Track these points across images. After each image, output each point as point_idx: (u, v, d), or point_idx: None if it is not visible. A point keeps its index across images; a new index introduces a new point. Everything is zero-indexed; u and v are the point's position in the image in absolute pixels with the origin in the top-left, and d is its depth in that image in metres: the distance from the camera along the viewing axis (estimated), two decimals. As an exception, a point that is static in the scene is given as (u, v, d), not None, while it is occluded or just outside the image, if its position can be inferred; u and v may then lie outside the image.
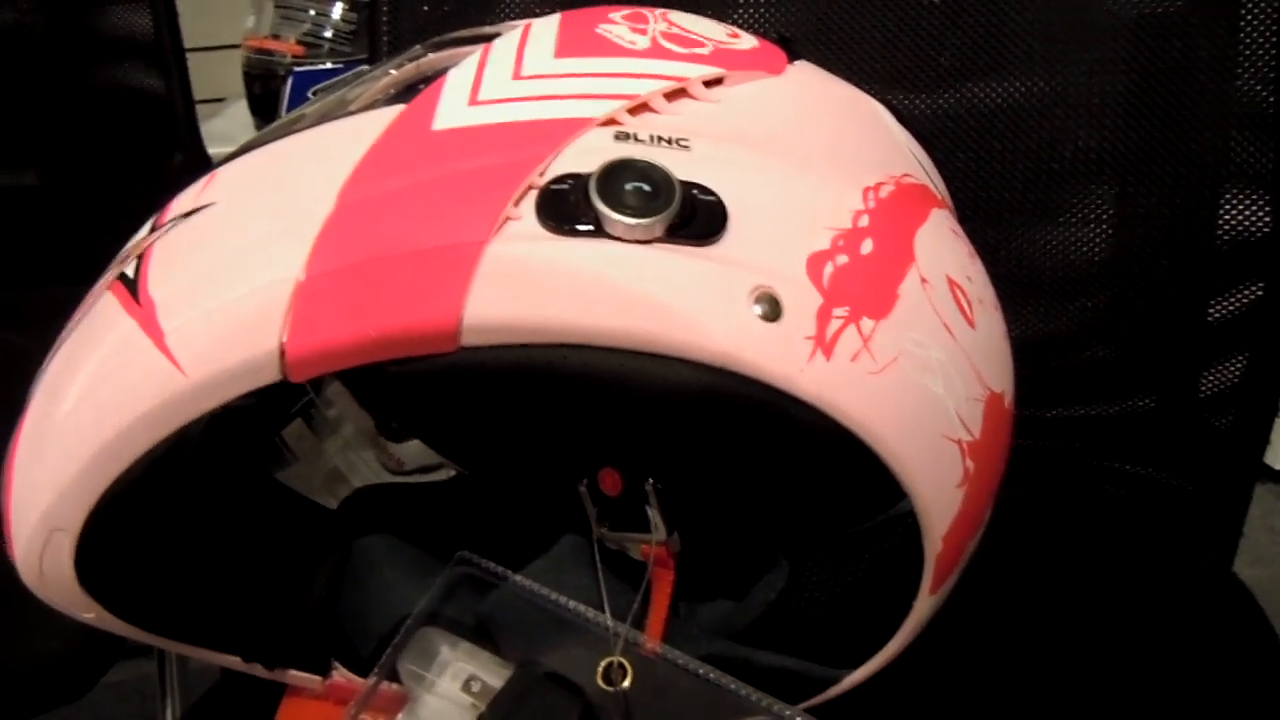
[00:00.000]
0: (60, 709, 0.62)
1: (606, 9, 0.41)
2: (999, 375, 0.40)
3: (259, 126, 1.29)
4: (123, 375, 0.34)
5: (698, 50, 0.39)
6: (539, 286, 0.32)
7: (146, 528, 0.37)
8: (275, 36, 1.26)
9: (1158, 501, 0.70)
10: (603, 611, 0.39)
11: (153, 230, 0.38)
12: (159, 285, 0.35)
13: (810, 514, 0.39)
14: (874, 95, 0.44)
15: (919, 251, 0.37)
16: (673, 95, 0.37)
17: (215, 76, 1.31)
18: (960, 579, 0.41)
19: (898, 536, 0.38)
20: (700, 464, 0.37)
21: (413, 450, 0.53)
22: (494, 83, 0.37)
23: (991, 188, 0.67)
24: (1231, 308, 0.65)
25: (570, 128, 0.35)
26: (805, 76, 0.41)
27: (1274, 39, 0.62)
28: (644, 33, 0.39)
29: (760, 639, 0.41)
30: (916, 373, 0.35)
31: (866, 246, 0.35)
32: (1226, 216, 0.65)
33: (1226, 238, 0.65)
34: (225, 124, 1.33)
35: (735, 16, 0.67)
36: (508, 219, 0.33)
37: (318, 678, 0.43)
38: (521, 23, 0.41)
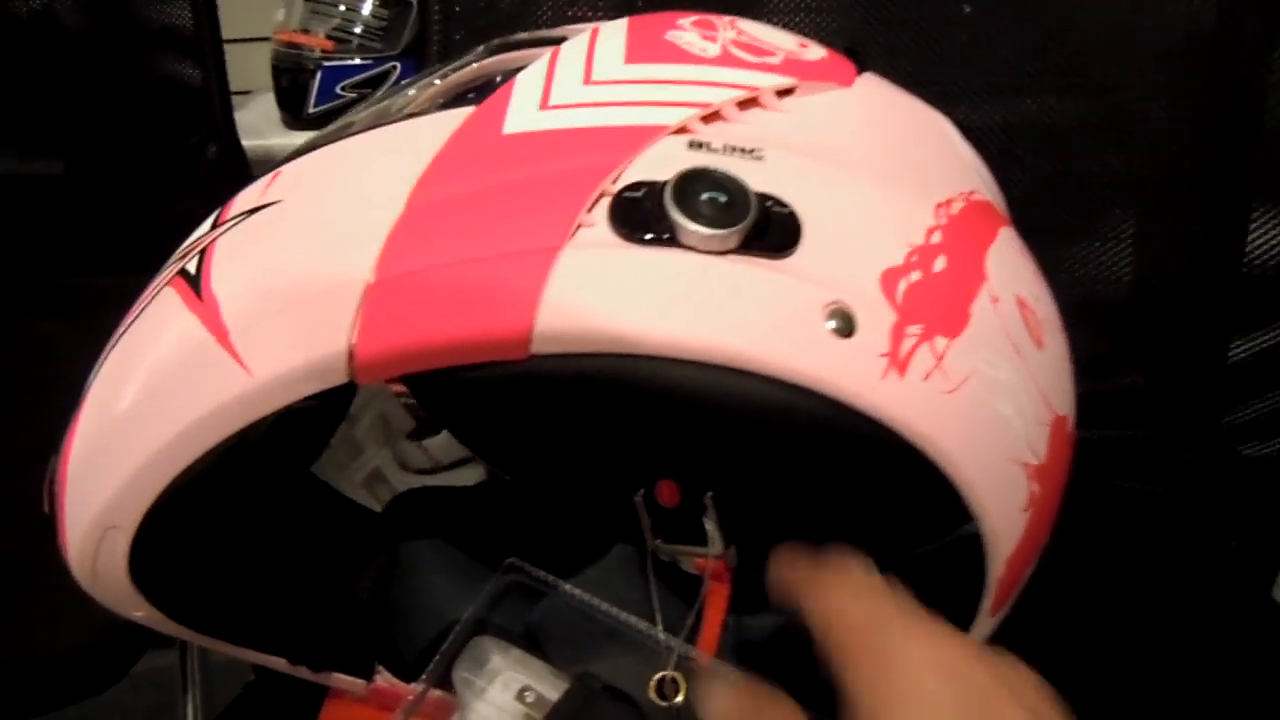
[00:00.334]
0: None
1: (674, 14, 0.41)
2: (1064, 398, 0.39)
3: (285, 120, 1.28)
4: (185, 373, 0.34)
5: (768, 59, 0.39)
6: (612, 296, 0.32)
7: (200, 527, 0.36)
8: (305, 31, 1.25)
9: (1186, 526, 0.69)
10: (654, 624, 0.39)
11: (214, 226, 0.37)
12: (223, 282, 0.35)
13: (872, 533, 0.38)
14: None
15: (990, 270, 0.36)
16: (745, 104, 0.37)
17: (242, 69, 1.30)
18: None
19: (959, 558, 0.37)
20: (766, 478, 0.36)
21: (434, 446, 0.53)
22: (564, 87, 0.37)
23: (1012, 207, 0.66)
24: (1262, 340, 0.64)
25: (643, 135, 0.35)
26: (874, 89, 0.41)
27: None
28: (714, 40, 0.39)
29: (810, 656, 0.40)
30: (987, 394, 0.34)
31: (939, 264, 0.35)
32: (1256, 242, 0.64)
33: (1255, 264, 0.64)
34: (251, 116, 1.33)
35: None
36: (580, 226, 0.33)
37: (362, 681, 0.42)
38: (587, 27, 0.41)
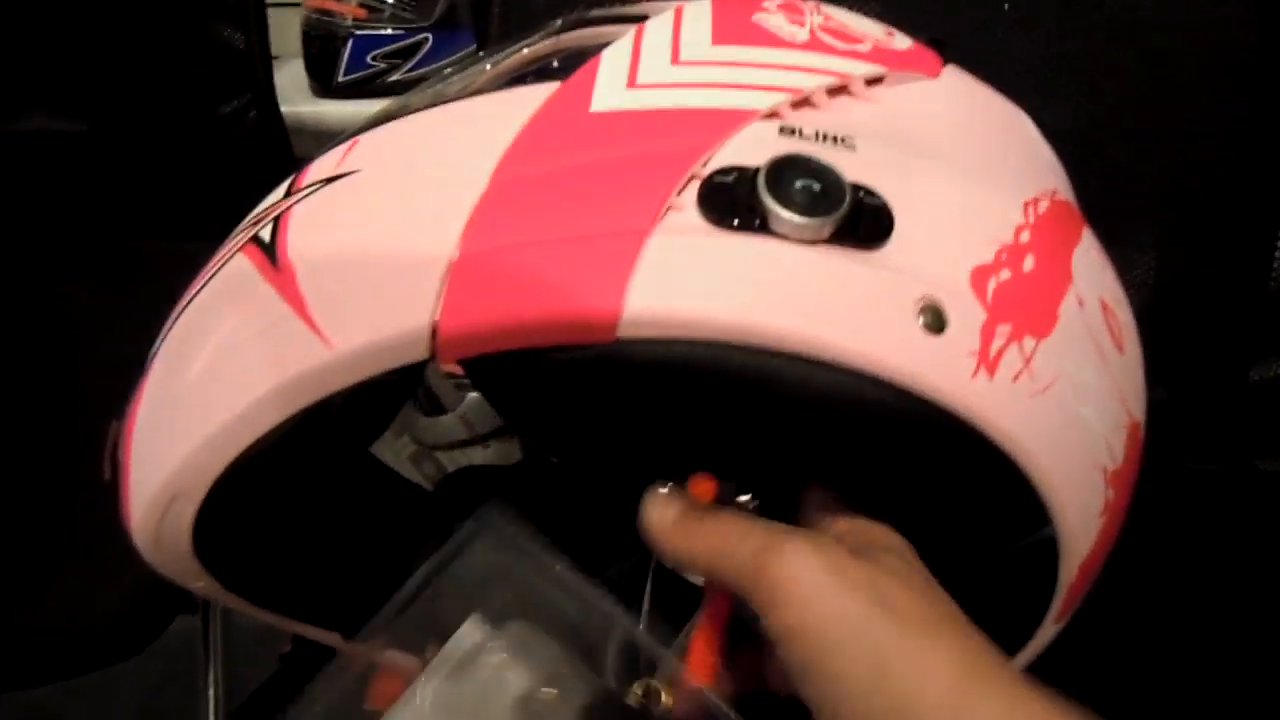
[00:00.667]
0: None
1: (757, -4, 0.40)
2: (1139, 403, 0.39)
3: (314, 88, 1.27)
4: (260, 342, 0.33)
5: (857, 47, 0.38)
6: (701, 281, 0.31)
7: (266, 499, 0.36)
8: (338, -2, 1.25)
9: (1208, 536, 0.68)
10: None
11: (288, 193, 0.37)
12: (300, 251, 0.34)
13: (947, 534, 0.37)
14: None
15: (1076, 272, 0.36)
16: (834, 92, 0.36)
17: (272, 34, 1.29)
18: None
19: (1028, 562, 0.37)
20: (846, 472, 0.36)
21: (442, 427, 0.53)
22: (652, 67, 0.36)
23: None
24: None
25: (733, 119, 0.34)
26: (960, 81, 0.40)
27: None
28: (802, 24, 0.38)
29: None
30: (1073, 397, 0.34)
31: (1028, 263, 0.34)
32: None
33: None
34: (280, 82, 1.32)
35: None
36: (670, 209, 0.32)
37: (415, 658, 0.42)
38: (670, 5, 0.40)
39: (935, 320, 0.32)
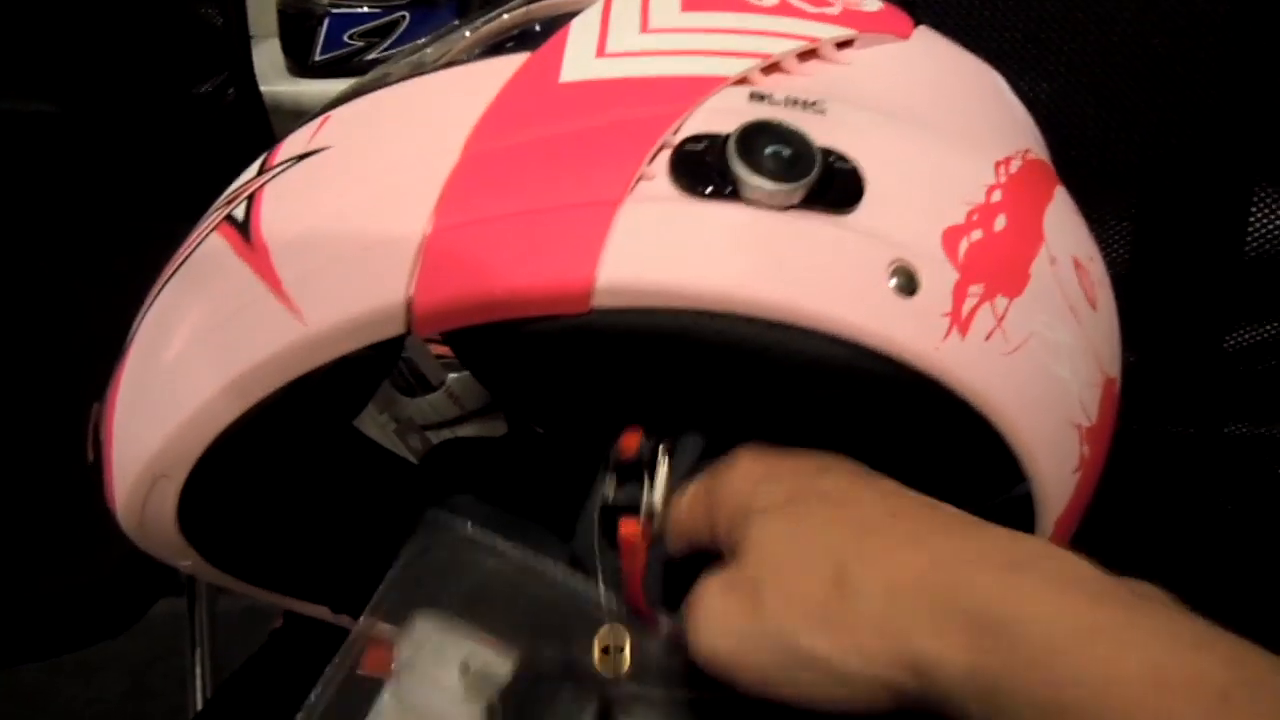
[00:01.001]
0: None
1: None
2: (1113, 359, 0.39)
3: (290, 67, 1.26)
4: (237, 321, 0.33)
5: (827, 9, 0.38)
6: (674, 250, 0.31)
7: (249, 476, 0.36)
8: (313, -23, 1.23)
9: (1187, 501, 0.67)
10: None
11: (261, 171, 0.37)
12: (274, 229, 0.34)
13: (922, 491, 0.38)
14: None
15: (1048, 230, 0.36)
16: (805, 56, 0.36)
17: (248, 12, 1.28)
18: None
19: (1005, 520, 0.37)
20: (820, 434, 0.36)
21: (430, 405, 0.53)
22: (621, 35, 0.36)
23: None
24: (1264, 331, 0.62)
25: (703, 86, 0.34)
26: (931, 42, 0.40)
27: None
28: (771, -11, 0.38)
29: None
30: (1046, 355, 0.34)
31: (1000, 223, 0.34)
32: (1257, 225, 0.61)
33: (1256, 247, 0.61)
34: (256, 62, 1.31)
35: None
36: (641, 178, 0.32)
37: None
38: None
39: (907, 282, 0.32)
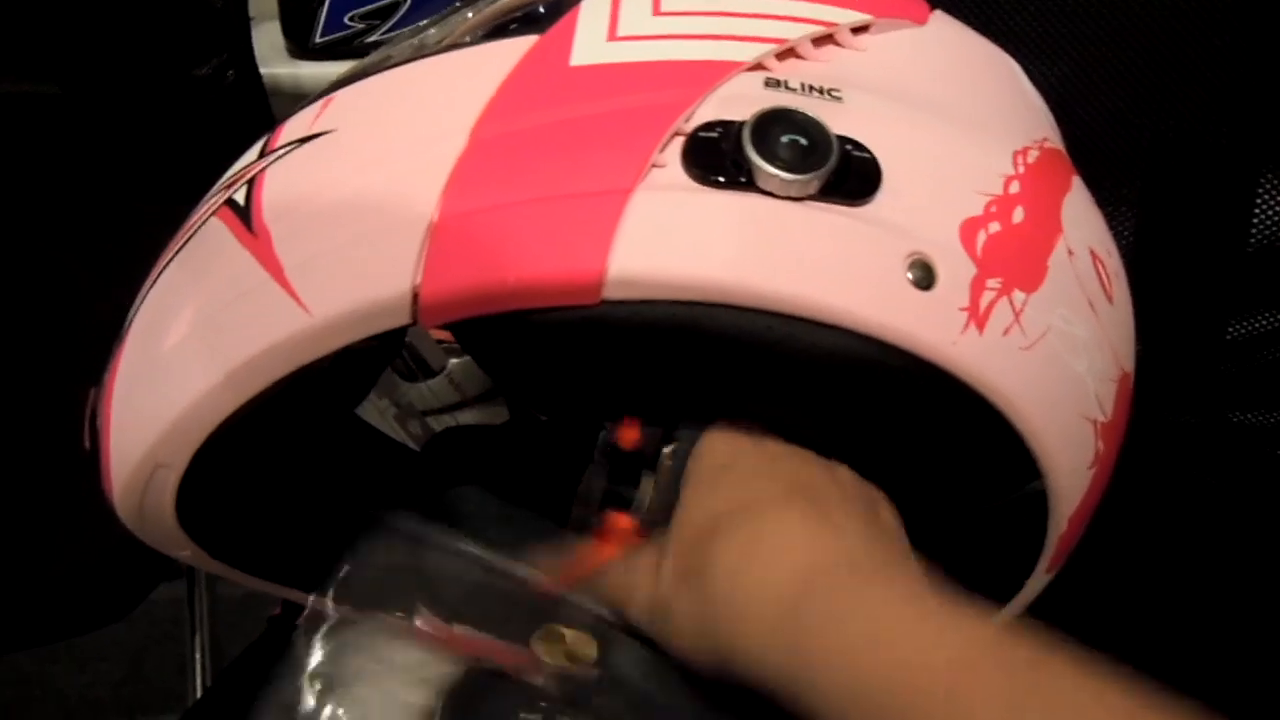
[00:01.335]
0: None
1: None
2: (1129, 354, 0.38)
3: (290, 49, 1.24)
4: (237, 309, 0.32)
5: (842, -7, 0.37)
6: (687, 241, 0.31)
7: (250, 465, 0.35)
8: (313, -44, 1.21)
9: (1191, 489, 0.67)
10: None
11: (262, 154, 0.36)
12: (276, 215, 0.33)
13: (937, 488, 0.37)
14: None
15: (1066, 222, 0.35)
16: (821, 41, 0.35)
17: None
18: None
19: (1018, 514, 0.37)
20: (830, 429, 0.35)
21: (431, 391, 0.52)
22: (633, 18, 0.35)
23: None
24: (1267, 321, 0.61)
25: (717, 71, 0.33)
26: (948, 28, 0.39)
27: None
28: (786, -29, 0.37)
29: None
30: (1064, 350, 0.34)
31: (1018, 215, 0.34)
32: (1263, 214, 0.59)
33: (1261, 237, 0.60)
34: (256, 43, 1.29)
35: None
36: (653, 166, 0.31)
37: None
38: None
39: (924, 276, 0.31)
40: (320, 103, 0.36)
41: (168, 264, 0.36)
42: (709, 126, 0.32)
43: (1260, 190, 0.58)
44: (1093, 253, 0.36)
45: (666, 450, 0.36)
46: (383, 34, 1.16)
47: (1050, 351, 0.33)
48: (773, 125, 0.31)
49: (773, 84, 0.33)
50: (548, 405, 0.44)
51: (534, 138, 0.32)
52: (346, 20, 1.19)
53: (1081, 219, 0.36)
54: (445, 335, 0.53)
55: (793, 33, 0.35)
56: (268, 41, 1.24)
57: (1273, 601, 0.58)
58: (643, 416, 0.36)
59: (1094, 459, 0.36)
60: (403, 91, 0.35)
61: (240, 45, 0.88)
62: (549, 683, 0.34)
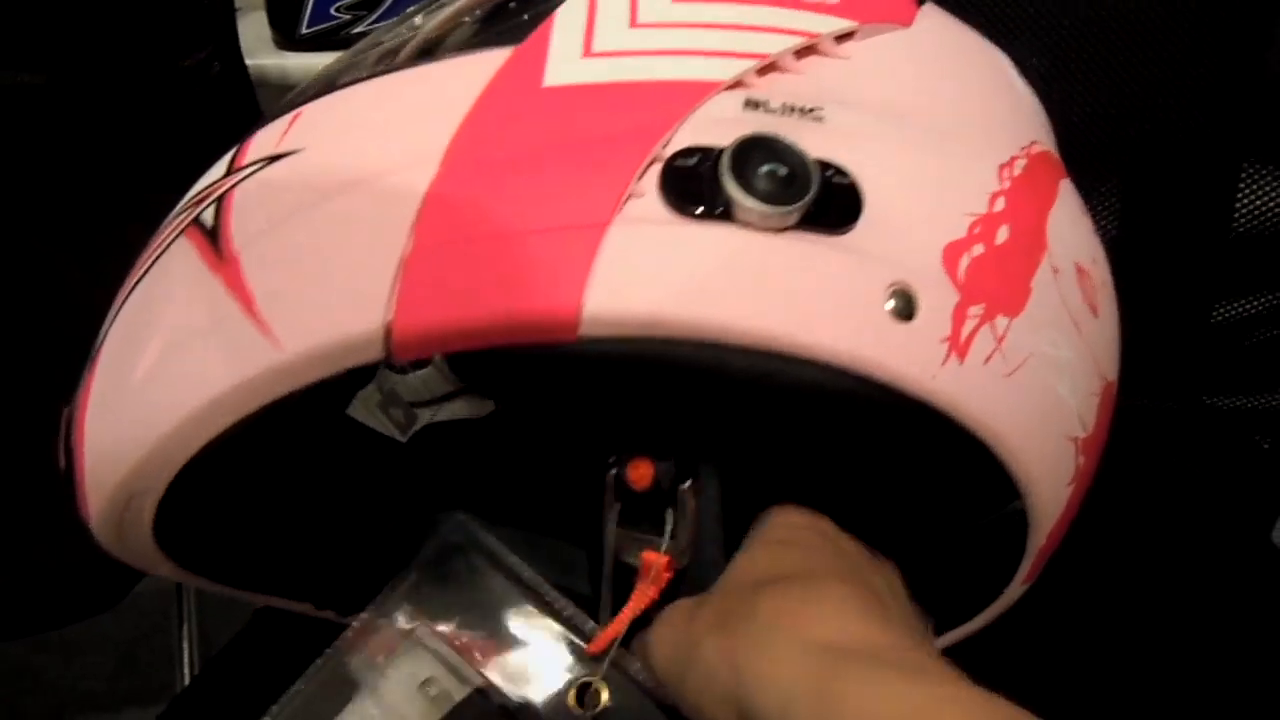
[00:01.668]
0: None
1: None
2: (1112, 363, 0.38)
3: (277, 40, 1.21)
4: (208, 340, 0.32)
5: (826, -2, 0.36)
6: (664, 276, 0.30)
7: (227, 487, 0.35)
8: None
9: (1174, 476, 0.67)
10: (598, 620, 0.37)
11: (230, 170, 0.35)
12: (245, 240, 0.33)
13: (915, 513, 0.37)
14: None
15: (1051, 238, 0.35)
16: (802, 53, 0.34)
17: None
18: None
19: (996, 528, 0.37)
20: (809, 460, 0.35)
21: (420, 381, 0.52)
22: (609, 31, 0.34)
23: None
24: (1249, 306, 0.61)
25: (695, 92, 0.32)
26: (935, 28, 0.38)
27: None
28: (768, -26, 0.36)
29: None
30: (1046, 373, 0.33)
31: (1002, 235, 0.33)
32: (1245, 201, 0.59)
33: (1243, 224, 0.60)
34: (242, 34, 1.27)
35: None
36: (630, 196, 0.30)
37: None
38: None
39: (905, 306, 0.31)
40: (289, 117, 0.35)
41: (136, 283, 0.35)
42: (687, 153, 0.31)
43: (1242, 178, 0.57)
44: (1078, 266, 0.36)
45: (684, 487, 0.36)
46: (369, 24, 1.14)
47: (1033, 376, 0.33)
48: (752, 153, 0.31)
49: (752, 105, 0.32)
50: (533, 421, 0.44)
51: (508, 166, 0.31)
52: (333, 11, 1.17)
53: (1067, 232, 0.36)
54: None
55: (774, 46, 0.34)
56: (254, 33, 1.22)
57: (1252, 586, 0.58)
58: (631, 446, 0.36)
59: (1074, 475, 0.36)
60: (373, 110, 0.34)
61: (226, 36, 0.86)
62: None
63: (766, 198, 0.30)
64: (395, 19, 0.41)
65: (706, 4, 0.35)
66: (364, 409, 0.49)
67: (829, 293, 0.30)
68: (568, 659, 0.36)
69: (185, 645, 0.78)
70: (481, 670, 0.36)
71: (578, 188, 0.31)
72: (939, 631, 0.41)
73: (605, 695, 0.35)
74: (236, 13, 0.95)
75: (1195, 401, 0.63)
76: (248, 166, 0.34)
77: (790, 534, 0.34)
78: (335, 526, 0.41)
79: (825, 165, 0.31)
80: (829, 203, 0.31)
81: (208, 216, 0.34)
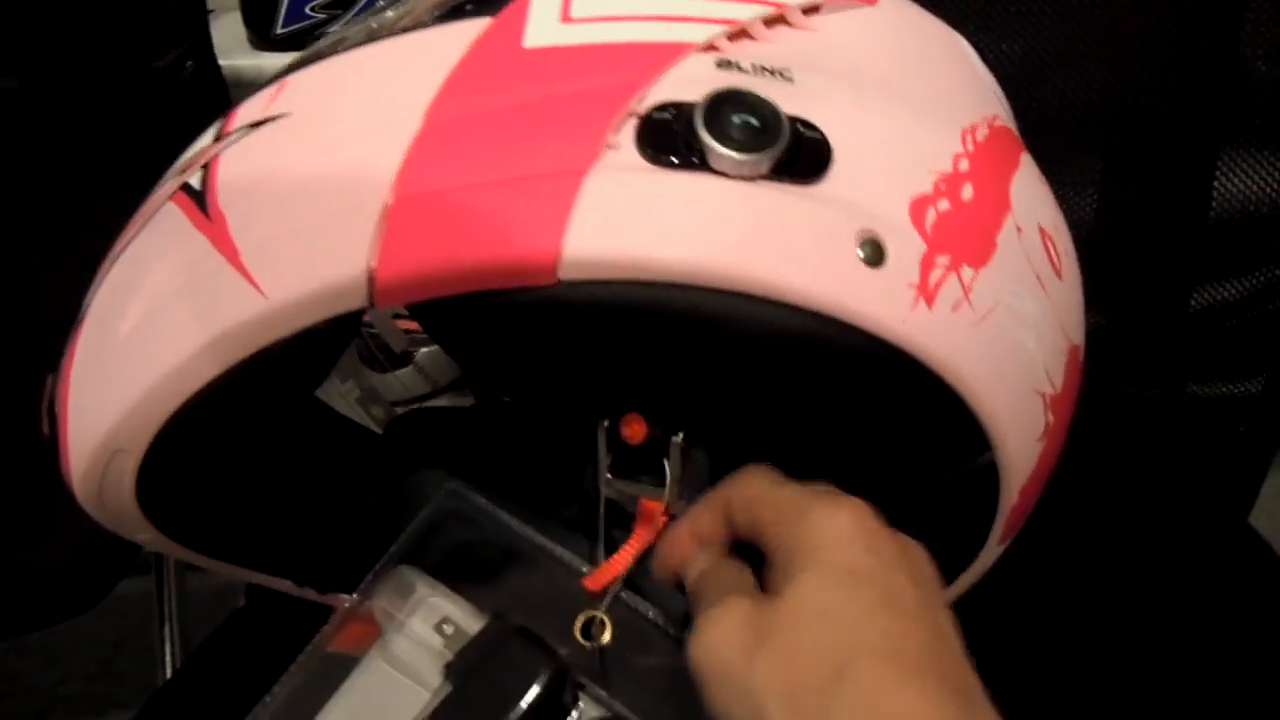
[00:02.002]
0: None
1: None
2: (1078, 328, 0.39)
3: (252, 40, 1.23)
4: (194, 294, 0.33)
5: (794, -26, 0.37)
6: (641, 221, 0.31)
7: (209, 449, 0.35)
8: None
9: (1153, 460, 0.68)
10: (595, 561, 0.38)
11: (218, 138, 0.36)
12: (231, 199, 0.33)
13: (888, 462, 0.38)
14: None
15: (1014, 199, 0.36)
16: (771, 22, 0.36)
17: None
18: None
19: (970, 486, 0.37)
20: (785, 408, 0.36)
21: (400, 381, 0.52)
22: (585, -1, 0.35)
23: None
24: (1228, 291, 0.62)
25: (670, 52, 0.34)
26: (898, 8, 0.40)
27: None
28: (738, -48, 0.37)
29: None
30: (1012, 325, 0.34)
31: (967, 192, 0.34)
32: (1222, 187, 0.61)
33: (1220, 209, 0.61)
34: (216, 35, 1.29)
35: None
36: (607, 147, 0.32)
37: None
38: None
39: (874, 253, 0.32)
40: (275, 86, 0.36)
41: (124, 248, 0.36)
42: (662, 108, 0.32)
43: (1219, 163, 0.59)
44: (1041, 229, 0.37)
45: (676, 439, 0.37)
46: (344, 24, 1.16)
47: (999, 326, 0.34)
48: (724, 106, 0.32)
49: (725, 65, 0.34)
50: (512, 389, 0.45)
51: (488, 120, 0.32)
52: (308, 10, 1.18)
53: (1030, 197, 0.37)
54: (413, 325, 0.53)
55: (744, 13, 0.35)
56: (229, 33, 1.23)
57: (1232, 569, 0.59)
58: (603, 400, 0.36)
59: (1044, 431, 0.36)
60: (357, 75, 0.35)
61: (199, 36, 0.87)
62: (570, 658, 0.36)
63: (739, 146, 0.31)
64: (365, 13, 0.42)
65: (679, -25, 0.36)
66: (344, 404, 0.50)
67: (801, 237, 0.31)
68: (569, 601, 0.37)
69: (166, 648, 0.77)
70: None
71: (556, 139, 0.32)
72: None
73: (609, 630, 0.36)
74: (211, 13, 0.96)
75: (1176, 388, 0.64)
76: (235, 133, 0.35)
77: (853, 557, 0.31)
78: (315, 499, 0.41)
79: (795, 120, 0.32)
80: (799, 154, 0.32)
81: (195, 180, 0.34)
